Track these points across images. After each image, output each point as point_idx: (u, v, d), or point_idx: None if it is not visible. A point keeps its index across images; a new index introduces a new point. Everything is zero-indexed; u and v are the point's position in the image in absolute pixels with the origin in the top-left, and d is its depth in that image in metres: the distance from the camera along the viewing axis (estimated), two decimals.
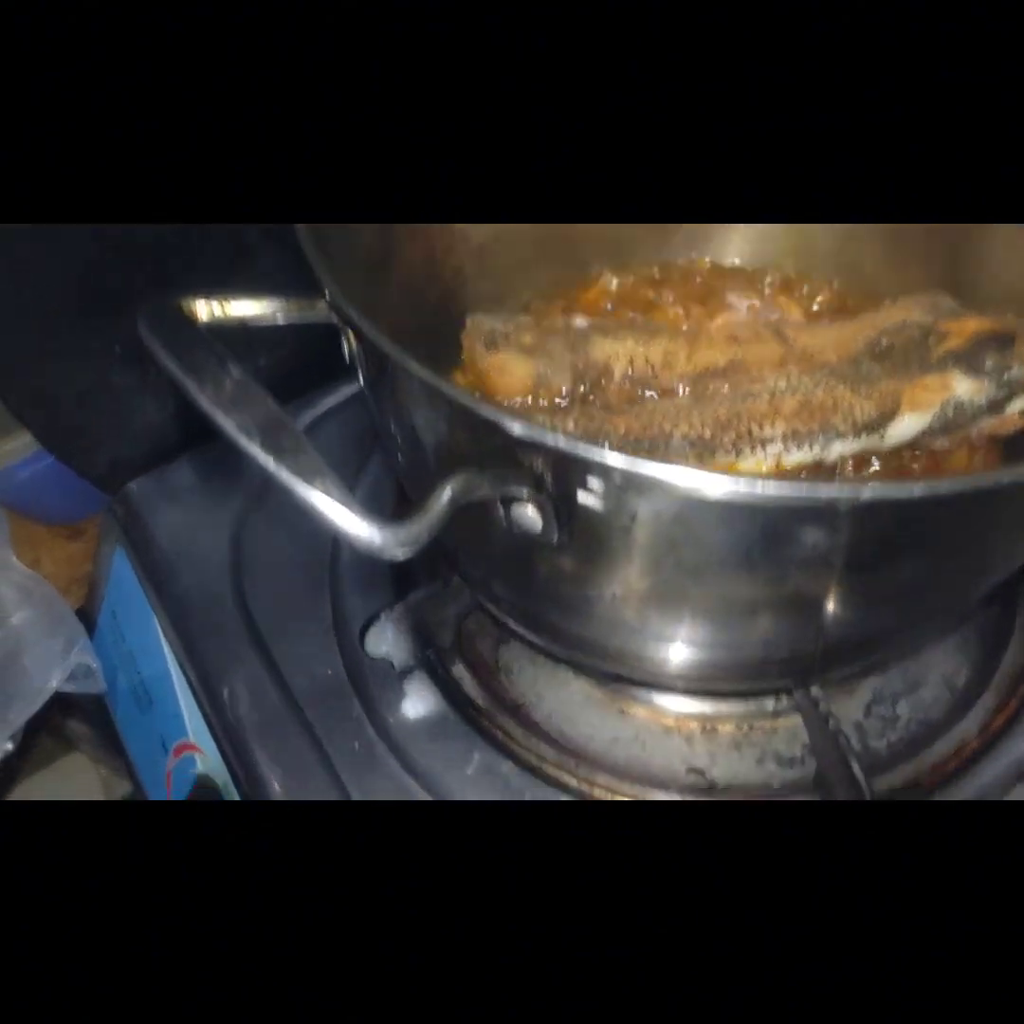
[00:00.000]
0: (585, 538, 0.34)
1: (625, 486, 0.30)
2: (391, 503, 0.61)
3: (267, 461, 0.27)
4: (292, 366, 0.64)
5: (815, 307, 0.59)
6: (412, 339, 0.53)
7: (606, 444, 0.50)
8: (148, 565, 0.63)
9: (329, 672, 0.56)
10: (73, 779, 0.86)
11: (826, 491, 0.28)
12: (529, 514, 0.33)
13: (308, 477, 0.27)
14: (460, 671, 0.56)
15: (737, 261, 0.61)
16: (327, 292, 0.33)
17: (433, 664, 0.55)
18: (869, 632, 0.42)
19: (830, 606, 0.37)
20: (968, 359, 0.46)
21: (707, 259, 0.61)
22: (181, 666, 0.60)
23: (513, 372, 0.55)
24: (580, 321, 0.56)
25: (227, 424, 0.27)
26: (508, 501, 0.32)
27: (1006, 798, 0.47)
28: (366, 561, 0.59)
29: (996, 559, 0.38)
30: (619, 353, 0.54)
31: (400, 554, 0.27)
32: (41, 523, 0.72)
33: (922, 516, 0.31)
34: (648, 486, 0.29)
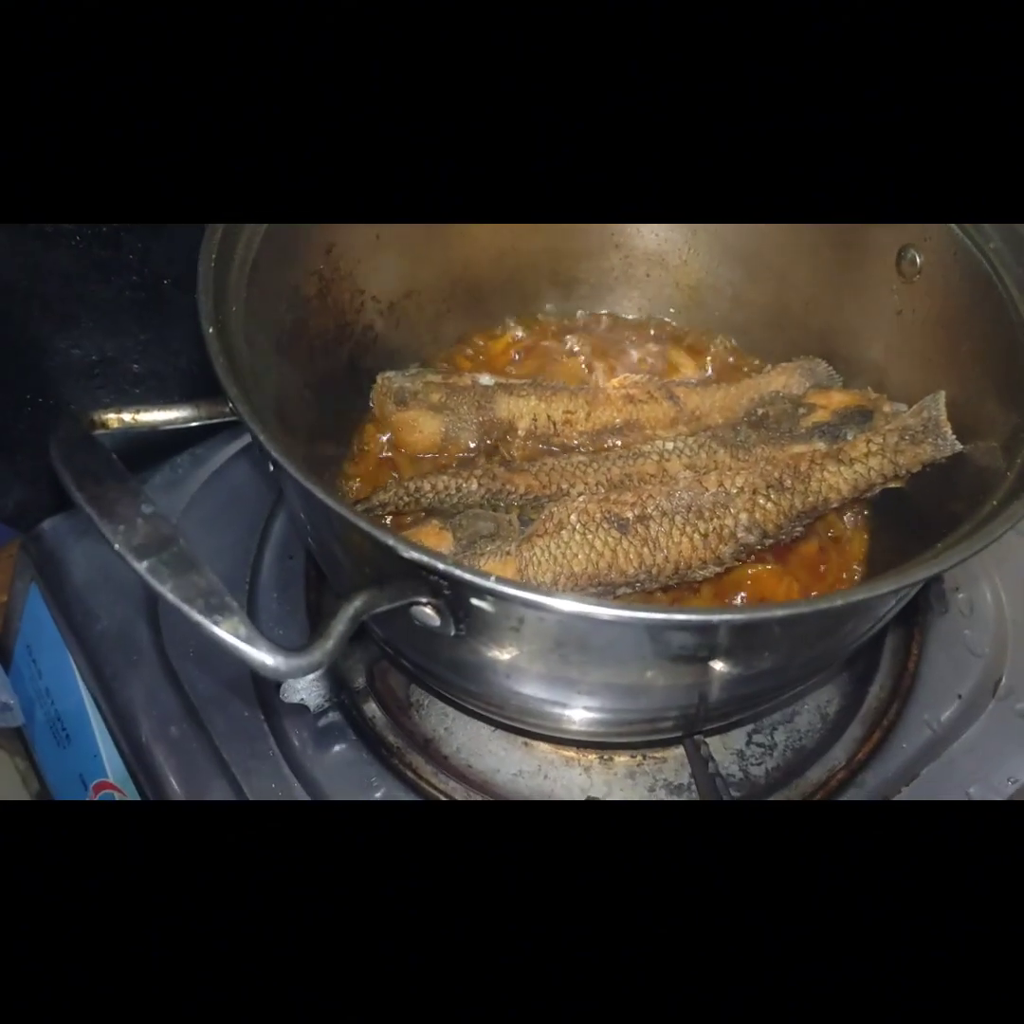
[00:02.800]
0: (479, 632, 0.37)
1: (510, 602, 0.33)
2: (302, 552, 0.62)
3: (178, 604, 0.29)
4: None
5: (705, 362, 0.63)
6: (324, 392, 0.55)
7: (511, 504, 0.53)
8: (62, 603, 0.64)
9: (245, 713, 0.58)
10: None
11: (688, 615, 0.32)
12: (428, 613, 0.36)
13: (216, 618, 0.29)
14: (372, 709, 0.58)
15: (635, 317, 0.64)
16: (240, 417, 0.34)
17: (346, 705, 0.57)
18: (745, 695, 0.47)
19: (708, 682, 0.41)
20: (831, 431, 0.51)
21: (606, 311, 0.65)
22: (97, 704, 0.61)
23: (422, 429, 0.57)
24: (486, 379, 0.58)
25: (139, 568, 0.29)
26: (408, 605, 0.35)
27: None
28: (282, 603, 0.61)
29: (847, 642, 0.43)
30: (522, 411, 0.58)
31: (304, 678, 0.30)
32: None
33: (781, 627, 0.35)
34: (528, 606, 0.33)
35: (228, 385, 0.35)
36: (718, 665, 0.38)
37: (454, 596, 0.35)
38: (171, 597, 0.29)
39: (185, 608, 0.29)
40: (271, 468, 0.41)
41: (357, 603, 0.32)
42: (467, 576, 0.31)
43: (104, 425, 0.35)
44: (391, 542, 0.32)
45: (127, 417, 0.36)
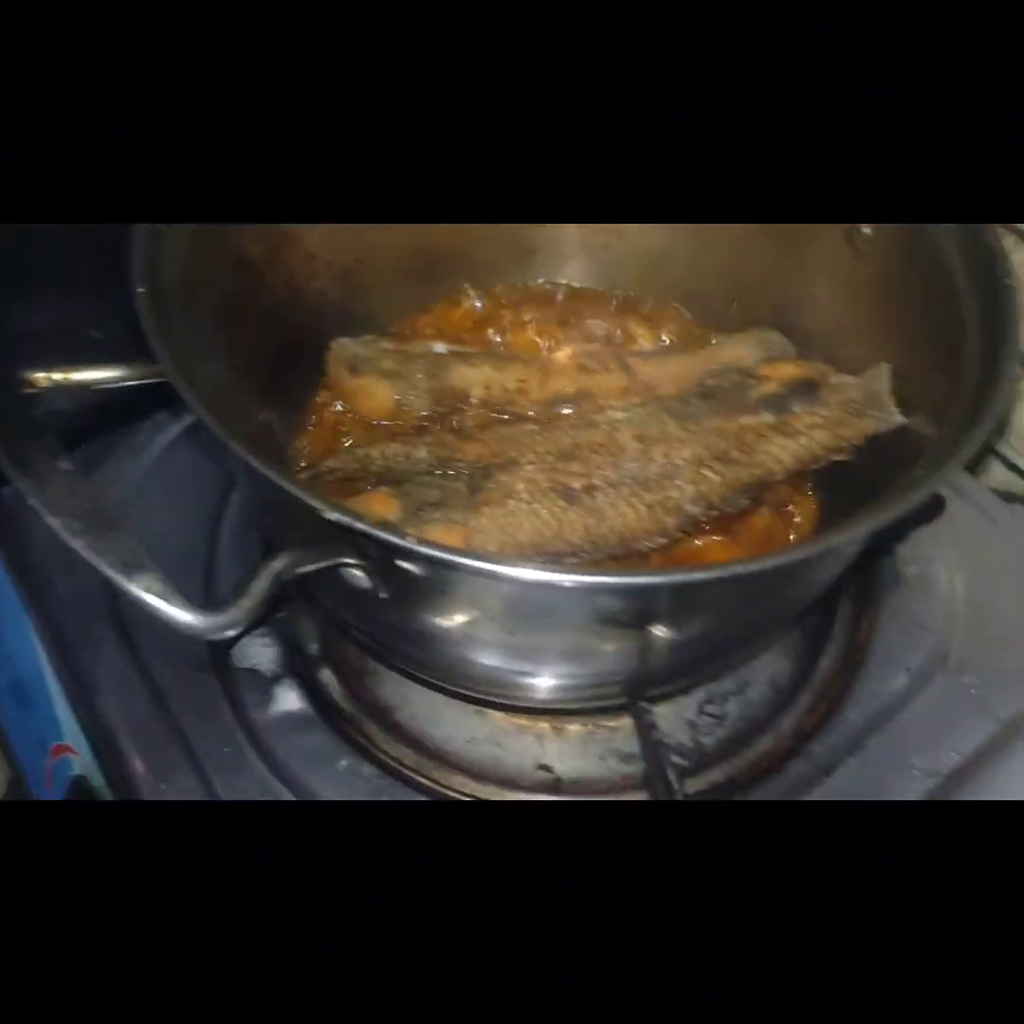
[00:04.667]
0: (409, 595, 0.38)
1: (431, 563, 0.33)
2: None
3: (92, 558, 0.29)
4: None
5: (661, 332, 0.63)
6: (272, 362, 0.55)
7: (461, 472, 0.53)
8: (22, 570, 0.64)
9: (201, 677, 0.58)
10: None
11: (614, 577, 0.32)
12: (357, 575, 0.36)
13: (131, 575, 0.29)
14: (327, 676, 0.59)
15: (592, 286, 0.64)
16: (167, 375, 0.34)
17: (300, 671, 0.58)
18: (688, 660, 0.47)
19: (649, 646, 0.41)
20: (779, 403, 0.51)
21: (564, 281, 0.64)
22: (55, 670, 0.61)
23: (375, 396, 0.57)
24: (440, 347, 0.58)
25: (54, 524, 0.30)
26: (336, 567, 0.35)
27: (808, 796, 0.53)
28: (240, 572, 0.62)
29: (781, 608, 0.44)
30: (475, 379, 0.57)
31: (224, 637, 0.30)
32: None
33: (710, 588, 0.35)
34: (446, 567, 0.33)
35: (155, 341, 0.35)
36: (655, 629, 0.38)
37: (381, 558, 0.35)
38: (86, 553, 0.29)
39: (100, 565, 0.29)
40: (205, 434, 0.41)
41: (279, 563, 0.32)
42: (384, 535, 0.31)
43: (32, 384, 0.35)
44: (313, 502, 0.32)
45: (57, 376, 0.36)
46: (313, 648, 0.58)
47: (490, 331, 0.63)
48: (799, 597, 0.43)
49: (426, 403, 0.57)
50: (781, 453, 0.49)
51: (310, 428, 0.59)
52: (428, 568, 0.34)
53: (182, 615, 0.30)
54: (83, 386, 0.37)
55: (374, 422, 0.58)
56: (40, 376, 0.35)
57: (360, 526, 0.32)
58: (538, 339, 0.62)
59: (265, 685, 0.57)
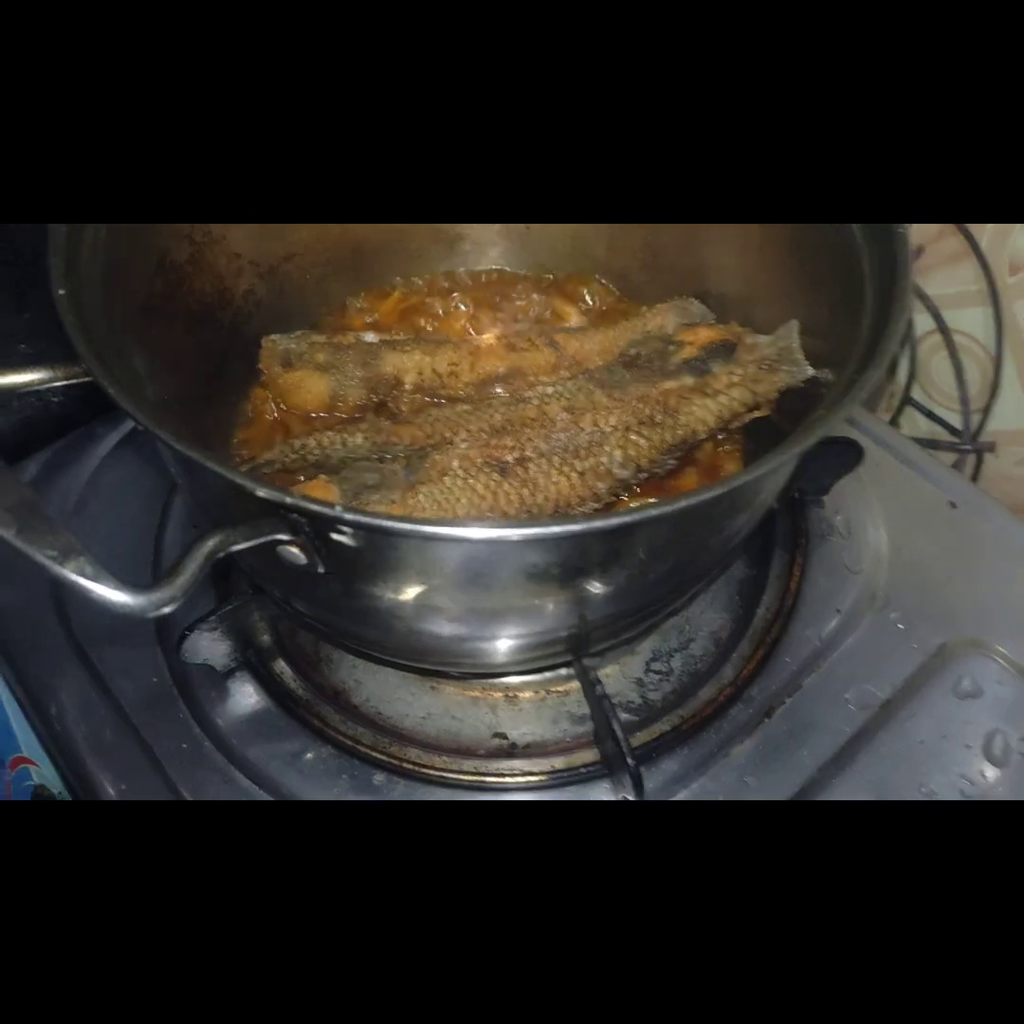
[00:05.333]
0: (346, 567, 0.39)
1: (361, 530, 0.35)
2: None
3: (23, 547, 0.30)
4: None
5: (588, 308, 0.65)
6: (205, 361, 0.56)
7: (398, 455, 0.55)
8: None
9: (154, 679, 0.59)
10: None
11: (535, 528, 0.34)
12: (293, 551, 0.38)
13: (63, 560, 0.30)
14: (281, 666, 0.60)
15: (518, 269, 0.66)
16: (91, 374, 0.35)
17: (254, 663, 0.59)
18: (623, 611, 0.49)
19: (581, 599, 0.43)
20: (698, 366, 0.53)
21: (492, 267, 0.66)
22: (6, 682, 0.61)
23: (310, 389, 0.59)
24: (370, 337, 0.60)
25: None
26: (271, 544, 0.36)
27: (750, 738, 0.55)
28: None
29: (704, 553, 0.46)
30: (408, 365, 0.59)
31: (160, 613, 0.31)
32: None
33: (632, 533, 0.37)
34: (375, 532, 0.34)
35: (78, 341, 0.36)
36: (582, 581, 0.40)
37: (314, 532, 0.36)
38: (17, 542, 0.30)
39: (31, 552, 0.30)
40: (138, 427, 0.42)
41: (212, 541, 0.33)
42: (312, 507, 0.33)
43: None
44: (241, 480, 0.33)
45: None
46: (265, 640, 0.59)
47: (420, 319, 0.64)
48: (721, 541, 0.45)
49: (361, 393, 0.59)
50: (703, 413, 0.51)
51: (247, 426, 0.60)
52: (358, 536, 0.35)
53: (116, 595, 0.31)
54: (9, 389, 0.37)
55: (311, 415, 0.60)
56: None
57: (288, 500, 0.33)
58: (467, 324, 0.63)
59: (219, 679, 0.58)
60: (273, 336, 0.59)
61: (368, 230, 0.62)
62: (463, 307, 0.64)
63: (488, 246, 0.66)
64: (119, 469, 0.68)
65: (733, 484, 0.36)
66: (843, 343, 0.46)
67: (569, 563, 0.39)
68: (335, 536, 0.37)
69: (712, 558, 0.47)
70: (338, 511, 0.32)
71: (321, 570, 0.39)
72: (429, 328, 0.64)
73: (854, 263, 0.47)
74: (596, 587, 0.43)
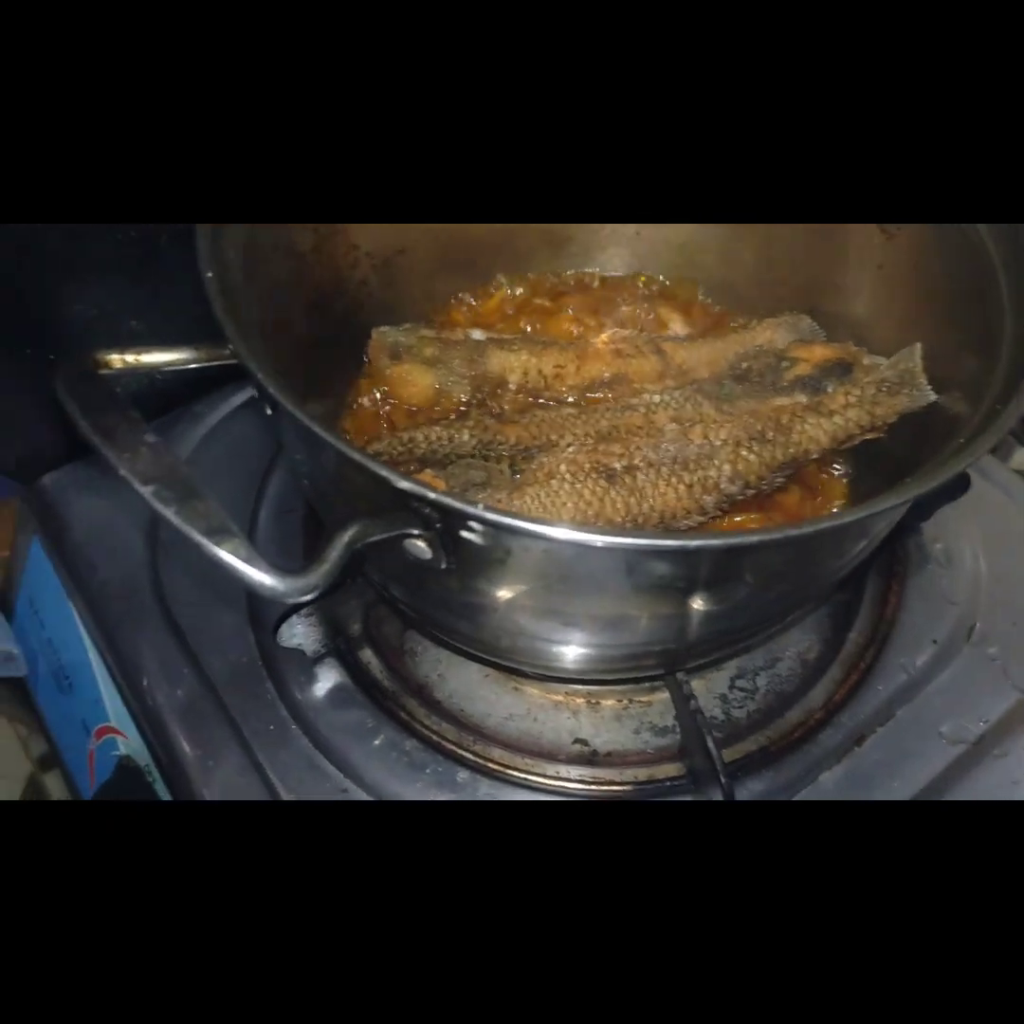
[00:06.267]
0: (469, 564, 0.39)
1: (498, 530, 0.35)
2: (301, 507, 0.64)
3: (180, 525, 0.31)
4: None
5: (693, 317, 0.64)
6: (320, 346, 0.57)
7: (502, 455, 0.55)
8: (65, 557, 0.65)
9: (244, 659, 0.60)
10: None
11: (667, 540, 0.34)
12: (420, 546, 0.38)
13: (218, 539, 0.31)
14: (367, 655, 0.60)
15: (625, 274, 0.65)
16: (238, 356, 0.36)
17: (342, 650, 0.59)
18: (725, 630, 0.49)
19: (686, 615, 0.43)
20: (812, 384, 0.52)
21: (597, 270, 0.66)
22: (100, 654, 0.63)
23: (416, 383, 0.59)
24: (478, 334, 0.60)
25: (144, 491, 0.31)
26: (401, 537, 0.37)
27: (839, 764, 0.55)
28: (281, 557, 0.63)
29: (821, 577, 0.45)
30: (514, 365, 0.59)
31: (302, 599, 0.32)
32: None
33: (756, 554, 0.37)
34: (516, 533, 0.34)
35: (227, 324, 0.37)
36: (697, 597, 0.40)
37: (445, 529, 0.37)
38: (175, 520, 0.31)
39: (188, 530, 0.31)
40: (269, 411, 0.43)
41: (351, 531, 0.33)
42: (457, 504, 0.33)
43: (107, 365, 0.37)
44: (385, 473, 0.34)
45: (129, 358, 0.37)
46: (355, 628, 0.60)
47: (523, 319, 0.64)
48: (836, 567, 0.45)
49: (465, 389, 0.59)
50: (817, 432, 0.51)
51: (351, 415, 0.60)
52: (488, 535, 0.36)
53: (266, 578, 0.31)
54: (153, 368, 0.38)
55: (413, 408, 0.60)
56: (114, 357, 0.37)
57: (431, 495, 0.33)
58: (572, 326, 0.63)
59: (308, 664, 0.59)
60: (383, 328, 0.59)
61: (480, 228, 0.63)
62: (570, 311, 0.64)
63: (595, 250, 0.66)
64: (215, 451, 0.69)
65: (873, 510, 0.35)
66: (970, 374, 0.45)
67: (695, 577, 0.39)
68: (465, 534, 0.37)
69: (824, 584, 0.47)
70: (485, 510, 0.33)
71: (444, 566, 0.39)
72: (532, 328, 0.64)
73: (991, 292, 0.46)
74: (709, 604, 0.42)
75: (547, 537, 0.33)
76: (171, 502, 0.31)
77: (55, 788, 0.88)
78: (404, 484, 0.33)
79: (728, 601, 0.42)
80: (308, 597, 0.32)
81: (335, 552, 0.33)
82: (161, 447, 0.32)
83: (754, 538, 0.35)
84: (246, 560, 0.31)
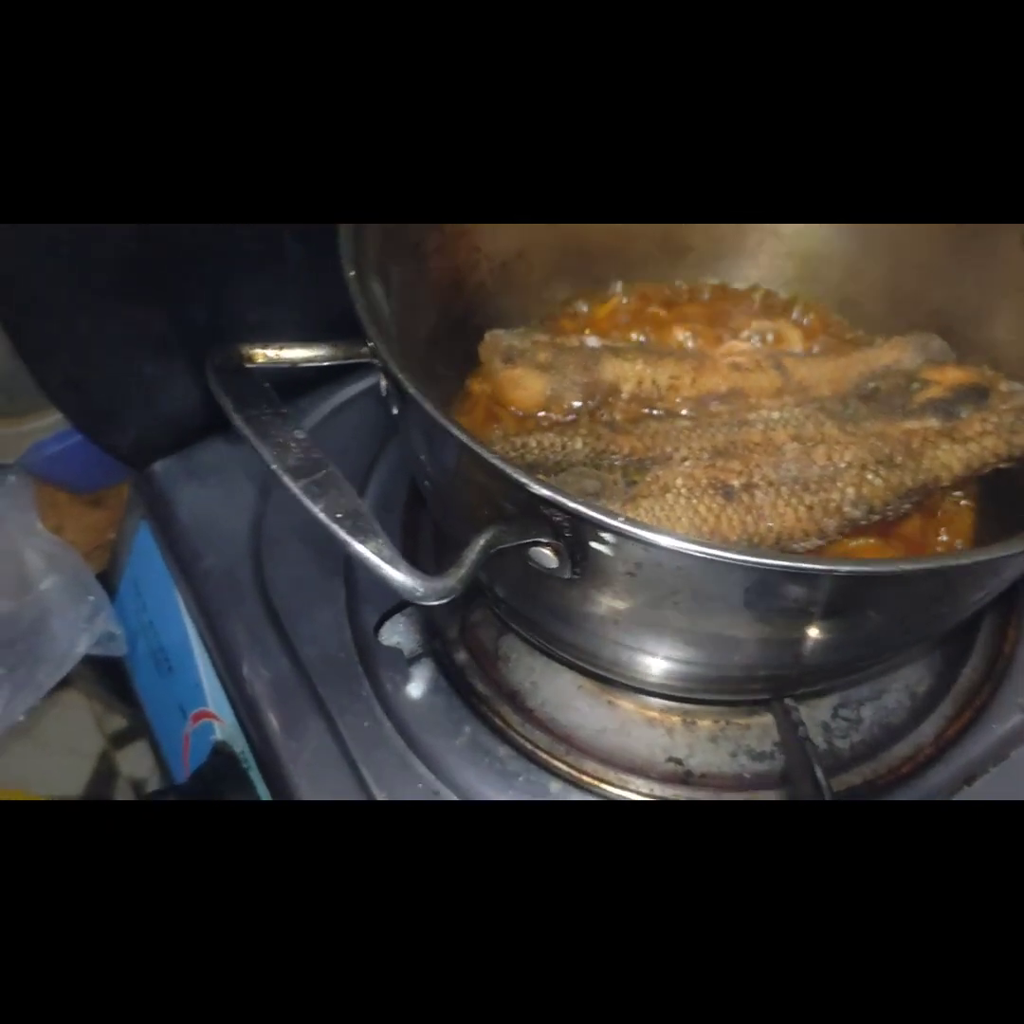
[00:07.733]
0: (594, 576, 0.38)
1: (637, 544, 0.34)
2: (401, 503, 0.64)
3: (327, 522, 0.31)
4: None
5: (815, 335, 0.63)
6: (435, 346, 0.57)
7: (614, 465, 0.54)
8: (171, 542, 0.67)
9: (341, 654, 0.60)
10: (67, 715, 0.90)
11: (805, 563, 0.33)
12: (547, 553, 0.37)
13: (363, 538, 0.31)
14: (463, 658, 0.60)
15: (743, 286, 0.64)
16: (378, 356, 0.36)
17: (438, 652, 0.59)
18: (842, 661, 0.47)
19: (808, 641, 0.42)
20: (945, 408, 0.50)
21: (715, 281, 0.65)
22: (202, 639, 0.64)
23: (528, 387, 0.58)
24: (593, 341, 0.59)
25: (295, 488, 0.31)
26: (531, 544, 0.36)
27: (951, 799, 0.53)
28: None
29: (950, 612, 0.43)
30: (628, 374, 0.58)
31: (440, 601, 0.31)
32: (64, 492, 0.75)
33: (890, 584, 0.35)
34: (650, 546, 0.34)
35: (368, 324, 0.37)
36: (826, 622, 0.38)
37: (575, 538, 0.36)
38: (322, 516, 0.31)
39: (334, 527, 0.31)
40: (395, 410, 0.43)
41: (487, 536, 0.33)
42: (597, 515, 0.32)
43: (251, 359, 0.37)
44: (524, 479, 0.33)
45: (271, 353, 0.38)
46: (452, 631, 0.60)
47: (636, 328, 0.63)
48: (976, 599, 0.43)
49: (577, 396, 0.58)
50: (948, 458, 0.49)
51: (460, 417, 0.60)
52: (618, 546, 0.35)
53: (407, 580, 0.31)
54: (292, 363, 0.39)
55: (522, 413, 0.60)
56: (258, 352, 0.37)
57: (571, 504, 0.33)
58: (686, 338, 0.62)
59: (404, 664, 0.59)
60: (497, 330, 0.59)
61: (597, 233, 0.62)
62: (682, 319, 0.63)
63: (713, 259, 0.64)
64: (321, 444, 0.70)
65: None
66: None
67: (825, 603, 0.37)
68: (595, 544, 0.36)
69: (962, 616, 0.45)
70: (626, 523, 0.32)
71: (568, 576, 0.38)
72: (644, 338, 0.63)
73: None
74: (835, 631, 0.41)
75: (693, 556, 0.32)
76: (319, 498, 0.31)
77: (126, 766, 0.90)
78: (543, 491, 0.33)
79: (858, 629, 0.41)
80: (446, 599, 0.32)
81: (472, 556, 0.33)
82: (309, 443, 0.32)
83: (928, 564, 0.33)
84: (388, 561, 0.31)
